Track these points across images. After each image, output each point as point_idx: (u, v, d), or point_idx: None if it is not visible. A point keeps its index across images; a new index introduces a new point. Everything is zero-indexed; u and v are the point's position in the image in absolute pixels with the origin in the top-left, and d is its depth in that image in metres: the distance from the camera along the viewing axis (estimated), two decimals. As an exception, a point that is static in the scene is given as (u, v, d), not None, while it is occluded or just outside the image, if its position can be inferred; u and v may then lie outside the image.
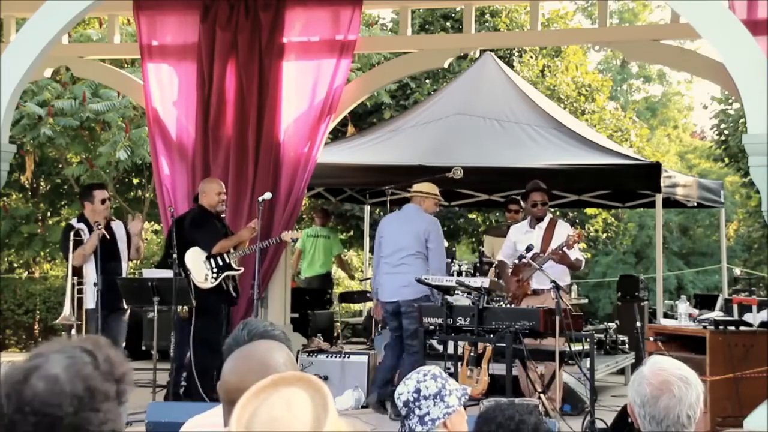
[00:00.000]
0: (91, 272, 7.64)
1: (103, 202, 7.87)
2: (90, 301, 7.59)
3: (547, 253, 7.64)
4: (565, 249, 7.60)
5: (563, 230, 7.89)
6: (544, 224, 7.97)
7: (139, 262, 14.69)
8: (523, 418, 2.66)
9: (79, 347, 1.74)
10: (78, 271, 7.63)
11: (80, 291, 7.57)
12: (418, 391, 3.64)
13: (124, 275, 8.01)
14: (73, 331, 7.46)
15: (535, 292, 7.81)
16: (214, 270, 7.94)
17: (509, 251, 8.12)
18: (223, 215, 8.31)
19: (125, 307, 7.92)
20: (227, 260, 7.99)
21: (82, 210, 8.10)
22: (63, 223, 15.35)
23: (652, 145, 24.21)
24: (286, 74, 9.04)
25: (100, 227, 7.65)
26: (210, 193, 8.10)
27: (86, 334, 7.35)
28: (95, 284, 7.49)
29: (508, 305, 7.72)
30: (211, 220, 8.09)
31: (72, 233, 7.61)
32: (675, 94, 34.92)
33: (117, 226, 8.04)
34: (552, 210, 13.11)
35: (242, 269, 8.18)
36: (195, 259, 7.92)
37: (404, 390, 3.68)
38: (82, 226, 7.72)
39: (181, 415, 2.84)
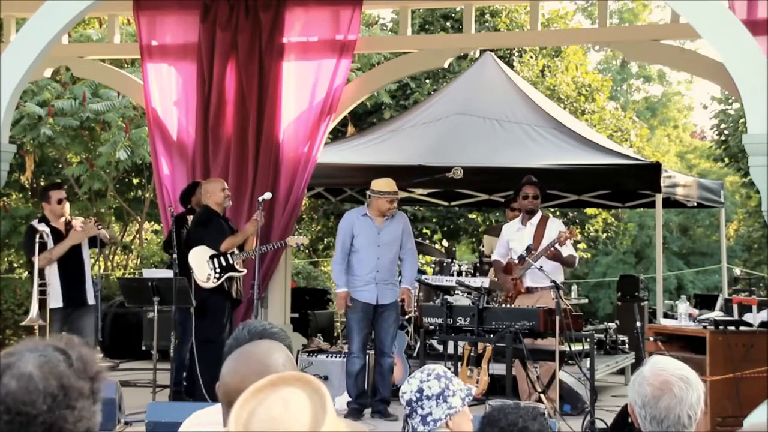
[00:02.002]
0: (53, 272, 7.67)
1: (59, 202, 7.85)
2: (53, 300, 7.63)
3: (539, 250, 7.65)
4: (557, 246, 7.60)
5: (555, 227, 7.90)
6: (535, 221, 7.98)
7: (138, 261, 14.69)
8: (526, 424, 2.65)
9: (51, 346, 1.72)
10: (41, 273, 7.63)
11: (43, 293, 7.59)
12: (420, 390, 3.62)
13: (89, 274, 7.92)
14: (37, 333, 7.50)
15: (529, 290, 7.82)
16: (217, 270, 7.93)
17: (503, 250, 8.14)
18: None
19: (91, 303, 7.84)
20: (230, 261, 7.99)
21: (43, 211, 8.06)
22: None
23: (652, 145, 24.19)
24: (286, 74, 9.03)
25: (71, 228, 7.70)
26: (215, 192, 8.09)
27: (50, 333, 7.40)
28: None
29: (503, 304, 7.73)
30: (217, 219, 8.09)
31: (37, 236, 7.59)
32: (675, 94, 34.92)
33: (77, 224, 7.91)
34: (552, 210, 13.12)
35: (245, 271, 8.16)
36: (198, 258, 7.92)
37: (407, 389, 3.66)
38: (44, 228, 7.71)
39: (181, 415, 2.83)
